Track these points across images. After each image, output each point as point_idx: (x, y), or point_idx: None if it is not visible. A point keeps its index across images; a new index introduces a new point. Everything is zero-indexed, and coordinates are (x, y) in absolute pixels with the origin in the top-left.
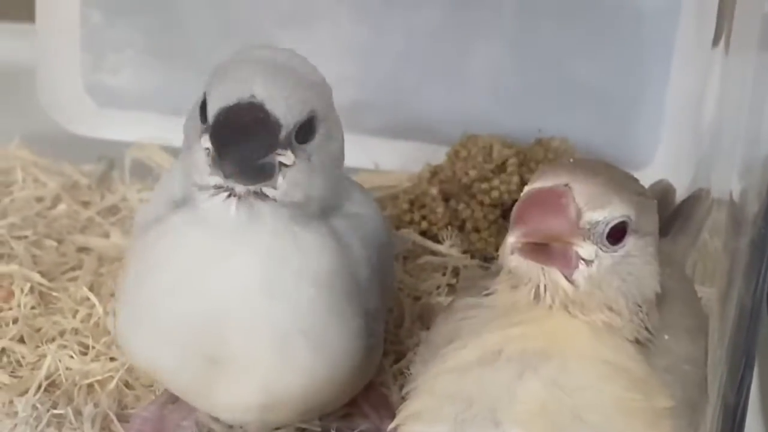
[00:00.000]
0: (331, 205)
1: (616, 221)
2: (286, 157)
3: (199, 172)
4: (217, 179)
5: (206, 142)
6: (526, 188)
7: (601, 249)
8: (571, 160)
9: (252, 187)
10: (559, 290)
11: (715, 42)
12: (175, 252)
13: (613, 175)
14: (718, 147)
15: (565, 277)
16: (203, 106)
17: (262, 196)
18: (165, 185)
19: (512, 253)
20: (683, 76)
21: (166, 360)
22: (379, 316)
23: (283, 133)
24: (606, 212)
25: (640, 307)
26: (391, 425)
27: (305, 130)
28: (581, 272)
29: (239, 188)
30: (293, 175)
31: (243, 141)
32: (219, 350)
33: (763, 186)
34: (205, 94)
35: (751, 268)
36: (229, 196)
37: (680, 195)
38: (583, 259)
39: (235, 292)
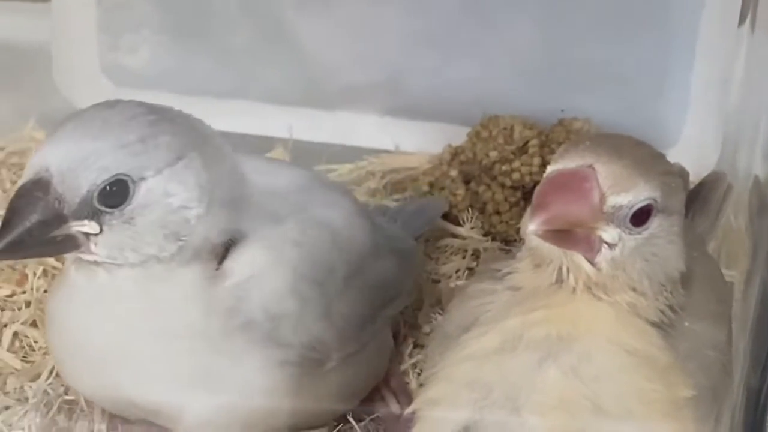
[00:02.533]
0: (218, 242)
1: (640, 204)
2: (89, 227)
3: None
4: None
5: None
6: (549, 168)
7: (624, 232)
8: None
9: (72, 255)
10: (582, 273)
11: (741, 21)
12: (55, 316)
13: (639, 155)
14: (743, 127)
15: (588, 261)
16: None
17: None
18: None
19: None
20: (709, 55)
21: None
22: (328, 340)
23: (66, 209)
24: (630, 196)
25: (664, 286)
26: (408, 410)
27: (114, 193)
28: (604, 255)
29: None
30: (106, 240)
31: (29, 220)
32: (138, 405)
33: None
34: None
35: None
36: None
37: None
38: (606, 243)
39: (109, 357)
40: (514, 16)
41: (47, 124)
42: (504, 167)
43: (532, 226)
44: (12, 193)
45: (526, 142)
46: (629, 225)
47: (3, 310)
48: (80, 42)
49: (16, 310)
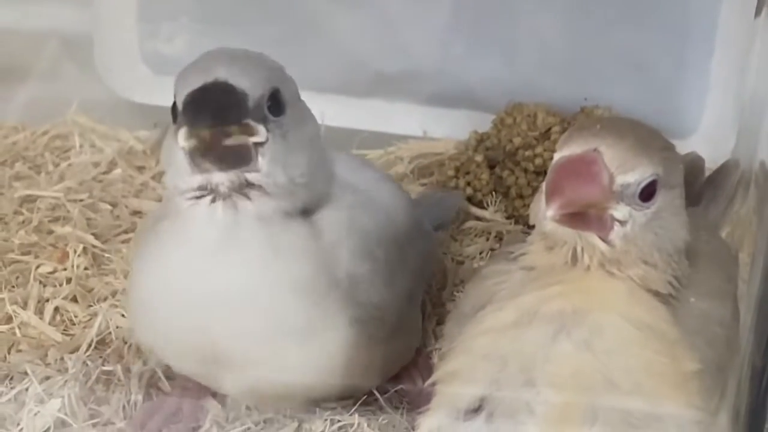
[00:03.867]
0: (316, 198)
1: (647, 181)
2: (260, 133)
3: (181, 175)
4: (200, 179)
5: (182, 138)
6: (556, 156)
7: (634, 208)
8: (598, 126)
9: (234, 176)
10: (597, 251)
11: (757, 12)
12: (160, 260)
13: (640, 134)
14: (757, 115)
15: (602, 239)
16: (174, 108)
17: (246, 189)
18: None
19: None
20: (729, 44)
21: (170, 358)
22: (389, 305)
23: (250, 102)
24: (637, 174)
25: (671, 256)
26: (428, 381)
27: (273, 104)
28: (617, 233)
29: (222, 188)
30: (271, 152)
31: (214, 111)
32: (214, 353)
33: None
34: (174, 97)
35: None
36: (214, 200)
37: None
38: (618, 221)
39: (219, 301)
40: (539, 7)
41: (89, 110)
42: (527, 153)
43: (550, 212)
44: (55, 176)
45: (549, 129)
46: (638, 202)
47: (45, 285)
48: (121, 31)
49: (58, 286)
